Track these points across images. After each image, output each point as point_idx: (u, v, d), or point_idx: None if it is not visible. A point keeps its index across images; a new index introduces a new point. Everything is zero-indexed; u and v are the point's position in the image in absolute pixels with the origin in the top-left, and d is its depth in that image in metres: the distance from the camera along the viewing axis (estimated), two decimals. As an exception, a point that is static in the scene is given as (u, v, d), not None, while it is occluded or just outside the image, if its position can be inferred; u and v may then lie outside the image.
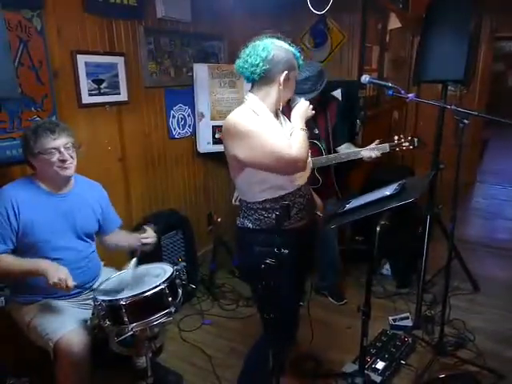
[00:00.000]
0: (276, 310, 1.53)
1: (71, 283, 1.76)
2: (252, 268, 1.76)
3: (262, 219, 1.70)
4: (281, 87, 1.64)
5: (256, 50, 1.61)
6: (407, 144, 2.46)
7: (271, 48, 1.61)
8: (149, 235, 2.06)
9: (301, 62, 1.71)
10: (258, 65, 1.59)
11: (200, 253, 3.55)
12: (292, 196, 1.70)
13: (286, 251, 1.40)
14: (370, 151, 2.49)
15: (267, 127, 1.61)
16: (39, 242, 1.89)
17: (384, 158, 2.55)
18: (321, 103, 2.67)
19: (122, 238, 2.22)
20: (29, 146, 1.84)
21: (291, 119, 1.73)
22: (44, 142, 1.83)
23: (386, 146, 2.48)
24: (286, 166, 1.61)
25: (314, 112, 1.80)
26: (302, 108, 1.74)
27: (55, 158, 1.86)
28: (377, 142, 2.51)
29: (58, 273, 1.75)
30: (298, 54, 1.69)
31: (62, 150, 1.87)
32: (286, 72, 1.63)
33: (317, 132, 1.79)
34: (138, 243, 2.04)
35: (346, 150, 2.65)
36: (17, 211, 1.83)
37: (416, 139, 2.47)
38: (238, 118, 1.62)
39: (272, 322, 1.54)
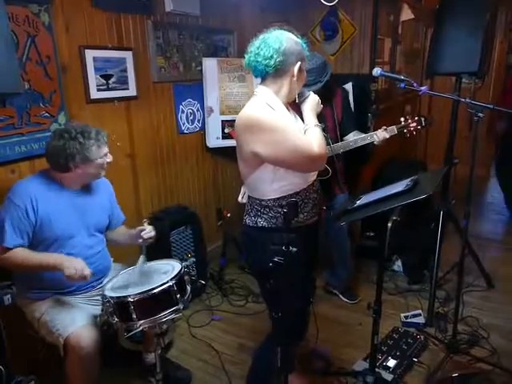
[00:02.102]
0: (286, 308, 1.50)
1: (88, 271, 1.78)
2: (266, 267, 1.74)
3: (277, 217, 1.65)
4: (294, 79, 1.62)
5: (267, 42, 1.56)
6: (414, 124, 2.42)
7: (283, 39, 1.57)
8: (147, 229, 2.04)
9: (307, 53, 1.68)
10: (271, 57, 1.55)
11: (210, 248, 3.54)
12: (307, 192, 1.67)
13: (295, 249, 1.37)
14: (379, 133, 2.44)
15: (288, 123, 1.59)
16: (54, 236, 1.90)
17: (396, 152, 2.50)
18: (325, 95, 2.62)
19: (122, 233, 2.23)
20: (83, 154, 1.85)
21: (303, 115, 1.70)
22: (103, 148, 1.92)
23: (394, 128, 2.44)
24: (308, 163, 1.59)
25: (322, 106, 1.78)
26: (313, 102, 1.71)
27: (106, 160, 1.95)
28: (384, 127, 2.47)
29: (73, 264, 1.77)
30: (305, 45, 1.67)
31: (109, 153, 1.97)
32: (299, 63, 1.60)
33: (323, 126, 1.77)
34: (138, 239, 2.03)
35: (353, 137, 2.60)
36: (35, 206, 1.84)
37: (423, 118, 2.42)
38: (257, 112, 1.57)
39: (281, 320, 1.51)
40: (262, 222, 1.69)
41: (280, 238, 1.61)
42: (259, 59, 1.57)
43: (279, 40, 1.56)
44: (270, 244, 1.62)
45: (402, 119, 2.46)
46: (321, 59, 2.54)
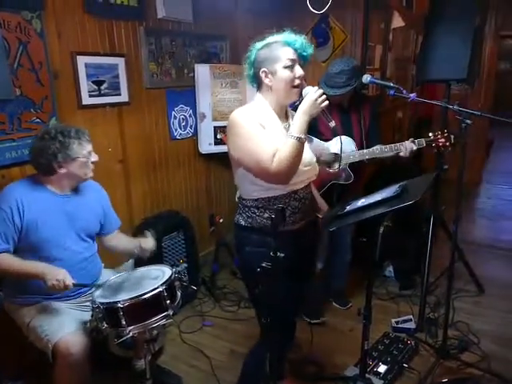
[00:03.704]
0: (271, 313, 1.50)
1: (69, 282, 1.76)
2: (245, 268, 1.76)
3: (253, 217, 1.68)
4: (270, 84, 1.62)
5: (247, 56, 1.66)
6: (443, 140, 2.37)
7: (255, 51, 1.64)
8: (149, 241, 2.05)
9: (298, 45, 1.61)
10: (248, 71, 1.67)
11: (202, 254, 3.53)
12: (286, 198, 1.66)
13: (282, 255, 1.37)
14: (407, 144, 2.40)
15: (260, 131, 1.58)
16: (42, 241, 1.89)
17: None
18: (355, 102, 2.62)
19: (121, 240, 2.22)
20: (64, 152, 1.85)
21: (294, 118, 1.60)
22: (85, 145, 1.91)
23: (422, 141, 2.40)
24: (266, 177, 1.58)
25: (326, 103, 1.55)
26: (308, 102, 1.54)
27: (91, 160, 1.94)
28: (411, 139, 2.43)
29: (56, 274, 1.75)
30: (292, 40, 1.60)
31: (93, 152, 1.96)
32: (263, 69, 1.61)
33: (333, 125, 1.61)
34: (137, 248, 2.04)
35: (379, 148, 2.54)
36: (21, 210, 1.83)
37: (452, 136, 2.37)
38: (236, 115, 1.62)
39: (267, 325, 1.51)
40: (241, 221, 1.73)
41: (256, 240, 1.64)
42: (245, 74, 1.70)
43: (253, 53, 1.65)
44: (246, 245, 1.66)
45: (431, 134, 2.41)
46: (353, 63, 2.51)
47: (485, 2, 4.45)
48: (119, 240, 2.24)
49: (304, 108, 1.54)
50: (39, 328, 1.86)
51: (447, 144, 2.38)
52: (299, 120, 1.54)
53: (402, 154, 2.42)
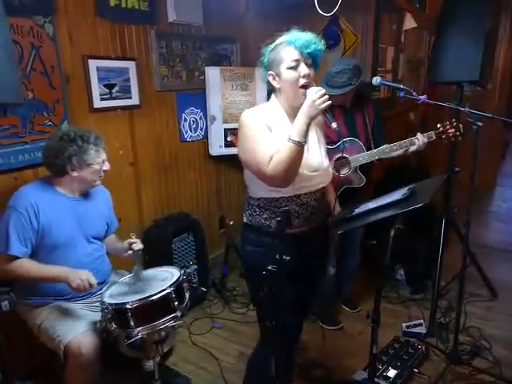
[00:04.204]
0: (273, 316, 1.49)
1: (94, 281, 1.81)
2: (246, 268, 1.81)
3: (253, 215, 1.69)
4: (278, 86, 1.62)
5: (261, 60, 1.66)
6: (453, 130, 2.32)
7: (267, 54, 1.63)
8: (138, 243, 2.07)
9: (299, 44, 1.53)
10: (262, 75, 1.67)
11: (212, 256, 3.55)
12: (287, 201, 1.63)
13: (288, 258, 1.37)
14: (419, 138, 2.34)
15: (265, 133, 1.57)
16: (54, 243, 1.92)
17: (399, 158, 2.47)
18: (358, 102, 2.59)
19: (115, 242, 2.24)
20: (80, 157, 1.88)
21: (294, 121, 1.52)
22: (101, 153, 1.94)
23: (432, 134, 2.35)
24: (263, 179, 1.58)
25: (327, 104, 1.48)
26: (307, 103, 1.48)
27: (103, 168, 1.97)
28: (419, 133, 2.37)
29: (78, 275, 1.79)
30: (293, 39, 1.54)
31: (106, 161, 1.98)
32: (269, 72, 1.62)
33: (335, 127, 1.55)
34: (128, 251, 2.06)
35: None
36: (37, 212, 1.86)
37: (461, 125, 2.31)
38: (245, 116, 1.62)
39: (271, 327, 1.50)
40: (244, 218, 1.75)
41: (254, 239, 1.66)
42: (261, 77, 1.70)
43: (265, 56, 1.63)
44: (246, 244, 1.68)
45: (439, 125, 2.36)
46: (354, 62, 2.48)
47: (498, 4, 4.39)
48: (113, 241, 2.26)
49: (303, 110, 1.48)
50: (51, 329, 1.88)
51: (457, 134, 2.33)
52: (299, 122, 1.49)
53: (414, 147, 2.36)
